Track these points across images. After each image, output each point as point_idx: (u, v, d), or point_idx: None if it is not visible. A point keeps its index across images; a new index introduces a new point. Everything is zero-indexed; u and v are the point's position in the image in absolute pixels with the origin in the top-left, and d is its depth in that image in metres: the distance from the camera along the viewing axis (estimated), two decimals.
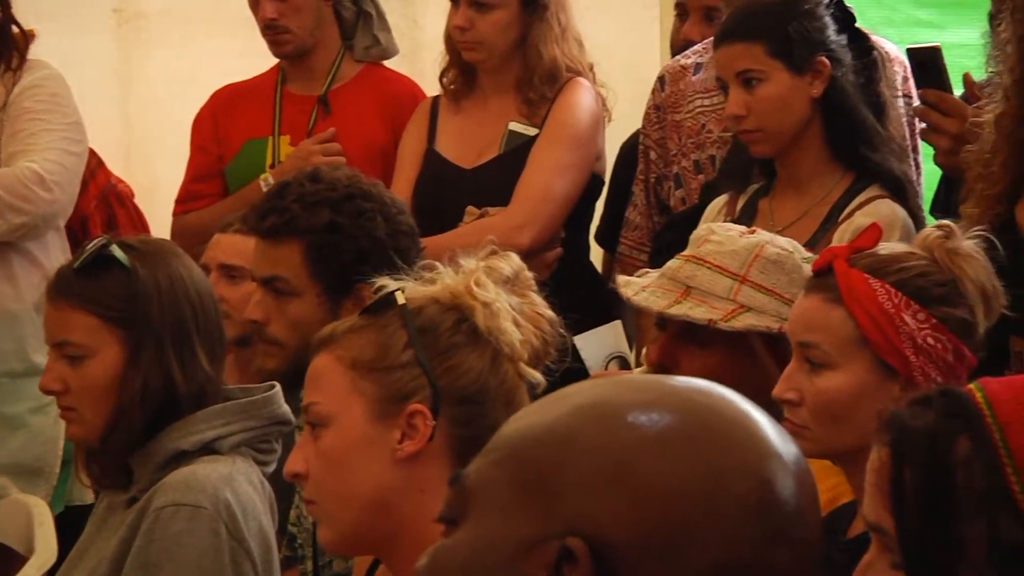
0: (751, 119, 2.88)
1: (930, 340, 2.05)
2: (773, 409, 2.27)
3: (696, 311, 2.38)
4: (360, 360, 1.84)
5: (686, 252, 2.48)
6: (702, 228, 2.53)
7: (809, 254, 2.50)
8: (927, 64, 2.77)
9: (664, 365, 2.43)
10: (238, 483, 2.24)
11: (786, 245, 2.48)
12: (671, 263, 2.48)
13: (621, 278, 2.55)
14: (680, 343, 2.43)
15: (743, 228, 2.53)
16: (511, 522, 1.16)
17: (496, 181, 3.42)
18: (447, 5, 3.51)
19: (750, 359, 2.41)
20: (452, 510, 1.21)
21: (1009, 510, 1.35)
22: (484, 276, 1.86)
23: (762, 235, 2.49)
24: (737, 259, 2.41)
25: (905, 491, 1.38)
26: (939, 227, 2.12)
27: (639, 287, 2.47)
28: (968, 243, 2.10)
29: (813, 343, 2.09)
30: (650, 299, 2.43)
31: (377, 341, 1.84)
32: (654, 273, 2.50)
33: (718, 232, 2.49)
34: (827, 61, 2.88)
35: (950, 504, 1.36)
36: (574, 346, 2.93)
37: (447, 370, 1.83)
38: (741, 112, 2.88)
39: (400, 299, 1.85)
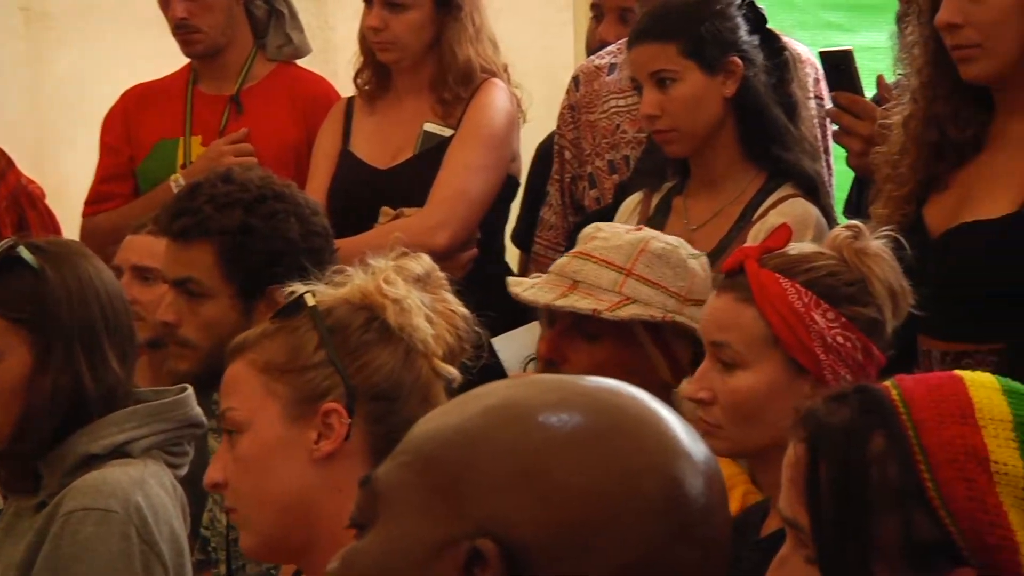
0: (665, 119, 2.90)
1: (839, 339, 2.07)
2: (666, 399, 2.31)
3: (582, 303, 2.41)
4: (272, 363, 1.84)
5: (574, 249, 2.51)
6: (590, 227, 2.57)
7: (695, 251, 2.53)
8: (839, 67, 2.80)
9: (553, 360, 2.45)
10: (149, 486, 2.22)
11: (671, 240, 2.51)
12: (559, 260, 2.52)
13: (511, 279, 2.57)
14: (568, 338, 2.46)
15: (630, 226, 2.56)
16: (421, 524, 1.16)
17: (411, 182, 3.41)
18: (359, 6, 3.49)
19: (637, 351, 2.44)
20: (362, 513, 1.21)
21: (922, 508, 1.36)
22: (394, 275, 1.86)
23: (647, 231, 2.52)
24: (622, 253, 2.45)
25: (820, 486, 1.39)
26: (848, 227, 2.14)
27: (528, 284, 2.50)
28: (876, 243, 2.12)
29: (725, 342, 2.11)
30: (537, 294, 2.46)
31: (288, 343, 1.84)
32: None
33: (605, 229, 2.52)
34: (739, 61, 2.90)
35: (865, 500, 1.37)
36: (491, 344, 2.94)
37: (359, 368, 1.84)
38: (655, 112, 2.90)
39: (310, 301, 1.85)
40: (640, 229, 2.55)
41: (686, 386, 2.43)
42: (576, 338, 2.45)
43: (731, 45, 2.90)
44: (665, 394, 2.36)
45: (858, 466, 1.38)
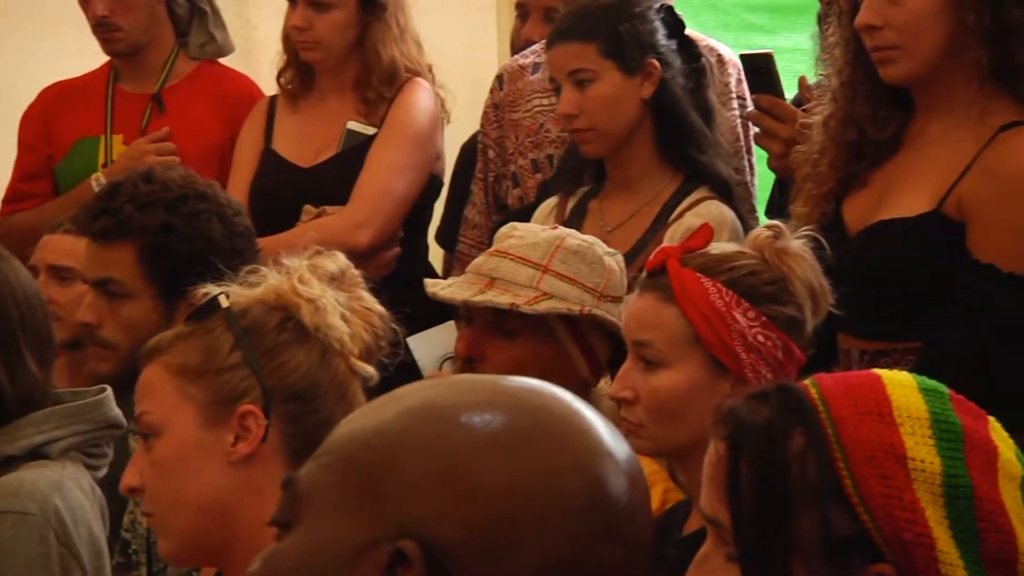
0: (583, 118, 2.91)
1: (760, 338, 2.08)
2: (586, 397, 2.32)
3: (500, 298, 2.41)
4: (187, 366, 1.82)
5: (490, 248, 2.51)
6: (506, 226, 2.57)
7: (610, 249, 2.54)
8: (760, 69, 2.81)
9: (472, 357, 2.45)
10: (68, 489, 2.18)
11: (587, 238, 2.52)
12: (476, 260, 2.52)
13: (428, 280, 2.57)
14: (487, 335, 2.45)
15: (546, 226, 2.57)
16: (343, 525, 1.15)
17: (334, 180, 3.39)
18: (280, 5, 3.48)
19: (555, 348, 2.44)
20: (284, 514, 1.19)
21: (840, 504, 1.36)
22: (308, 274, 1.85)
23: (563, 230, 2.53)
24: (539, 250, 2.45)
25: (741, 485, 1.38)
26: (769, 227, 2.15)
27: (445, 284, 2.50)
28: (796, 242, 2.13)
29: (647, 341, 2.11)
30: (455, 291, 2.46)
31: (203, 346, 1.82)
32: None
33: (520, 228, 2.53)
34: (657, 63, 2.91)
35: (784, 498, 1.37)
36: (407, 343, 2.95)
37: (275, 368, 1.82)
38: (573, 111, 2.91)
39: (224, 302, 1.83)
40: (556, 228, 2.55)
41: (605, 386, 2.44)
42: (495, 336, 2.45)
43: (650, 47, 2.92)
44: (584, 392, 2.37)
45: (779, 464, 1.38)
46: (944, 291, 2.45)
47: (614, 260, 2.50)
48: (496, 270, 2.44)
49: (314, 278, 1.84)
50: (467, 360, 2.45)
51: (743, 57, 2.87)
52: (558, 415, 1.17)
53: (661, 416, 2.09)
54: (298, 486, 1.18)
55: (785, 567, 1.37)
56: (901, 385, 1.42)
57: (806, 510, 1.37)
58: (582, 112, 2.90)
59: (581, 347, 2.45)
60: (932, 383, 1.44)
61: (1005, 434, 1.44)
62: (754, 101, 2.83)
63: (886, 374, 1.45)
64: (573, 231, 2.55)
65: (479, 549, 1.12)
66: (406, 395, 1.20)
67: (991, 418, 1.44)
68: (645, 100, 2.92)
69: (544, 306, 2.40)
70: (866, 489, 1.36)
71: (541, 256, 2.44)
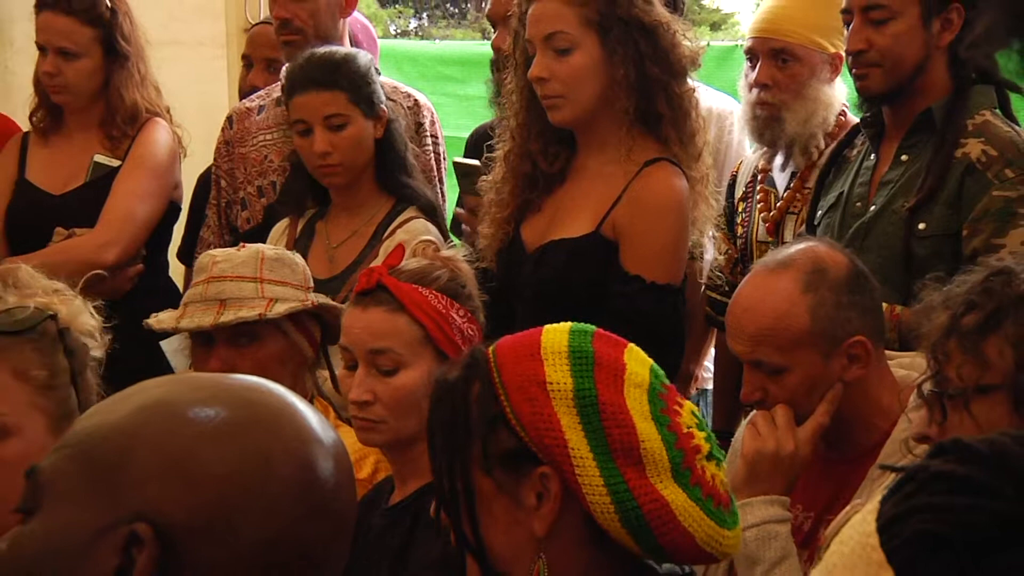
0: (336, 155, 2.93)
1: (470, 331, 2.12)
2: (299, 383, 2.35)
3: (245, 313, 2.36)
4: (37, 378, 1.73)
5: (200, 278, 2.45)
6: (203, 257, 2.51)
7: (292, 251, 2.56)
8: (469, 176, 2.87)
9: (225, 372, 2.39)
10: None
11: (275, 247, 2.52)
12: (192, 291, 2.45)
13: (152, 318, 2.47)
14: (234, 349, 2.39)
15: (231, 249, 2.52)
16: (82, 511, 1.11)
17: (83, 205, 3.31)
18: (35, 52, 3.35)
19: (285, 341, 2.42)
20: (27, 501, 1.14)
21: (505, 427, 1.50)
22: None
23: (253, 246, 2.50)
24: (249, 267, 2.44)
25: (433, 427, 1.53)
26: (424, 243, 2.20)
27: (173, 318, 2.42)
28: (451, 250, 2.20)
29: (385, 349, 2.09)
30: (196, 320, 2.39)
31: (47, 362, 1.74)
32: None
33: (218, 255, 2.49)
34: (386, 109, 2.95)
35: (466, 429, 1.51)
36: (161, 345, 2.91)
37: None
38: (328, 150, 2.93)
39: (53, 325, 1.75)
40: (243, 247, 2.51)
41: (334, 394, 2.42)
42: (240, 348, 2.39)
43: (379, 96, 2.98)
44: (306, 373, 2.35)
45: (462, 406, 1.52)
46: (602, 298, 2.52)
47: (298, 257, 2.52)
48: (223, 292, 2.41)
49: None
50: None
51: (456, 164, 2.94)
52: (273, 407, 1.15)
53: (401, 410, 2.08)
54: (40, 476, 1.13)
55: (467, 480, 1.50)
56: (555, 331, 1.56)
57: (484, 435, 1.50)
58: (335, 150, 2.92)
59: (304, 334, 2.42)
60: (583, 326, 1.58)
61: (643, 356, 1.57)
62: (464, 202, 2.90)
63: (550, 326, 1.57)
64: (262, 245, 2.54)
65: (204, 529, 1.09)
66: (137, 392, 1.17)
67: (631, 345, 1.57)
68: (377, 139, 2.96)
69: (281, 308, 2.38)
70: (519, 410, 1.49)
71: (253, 271, 2.42)
